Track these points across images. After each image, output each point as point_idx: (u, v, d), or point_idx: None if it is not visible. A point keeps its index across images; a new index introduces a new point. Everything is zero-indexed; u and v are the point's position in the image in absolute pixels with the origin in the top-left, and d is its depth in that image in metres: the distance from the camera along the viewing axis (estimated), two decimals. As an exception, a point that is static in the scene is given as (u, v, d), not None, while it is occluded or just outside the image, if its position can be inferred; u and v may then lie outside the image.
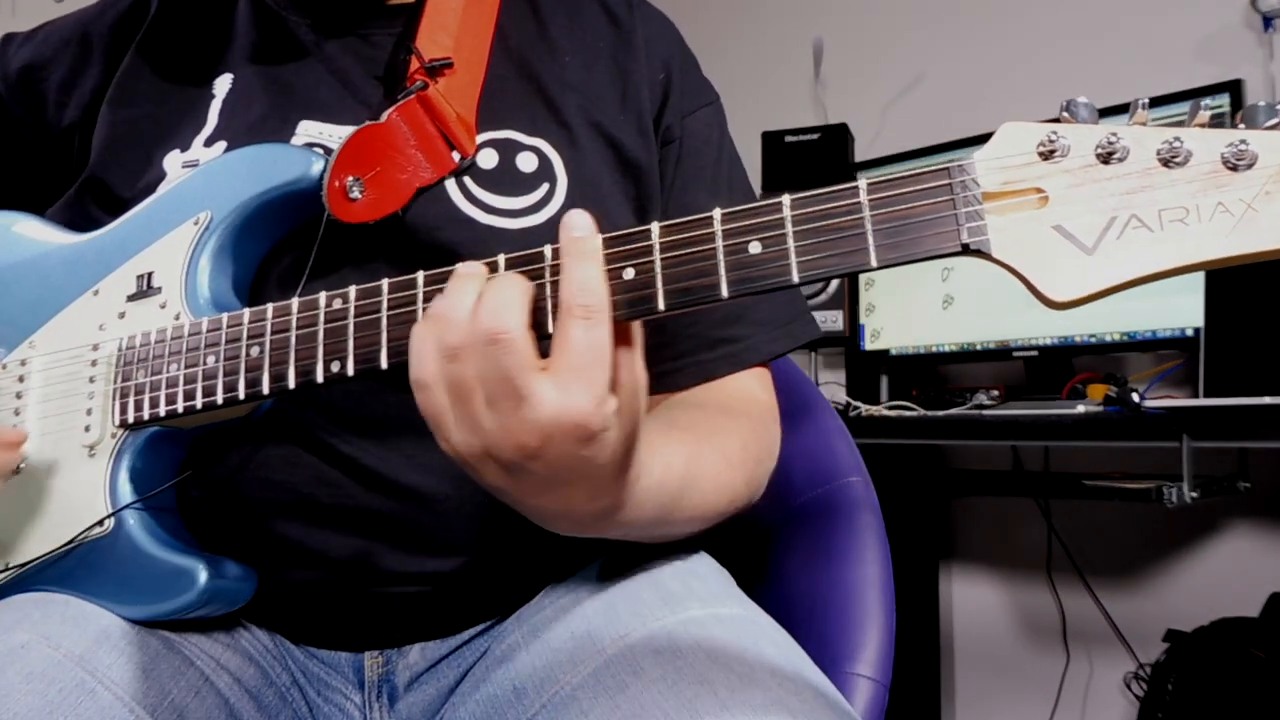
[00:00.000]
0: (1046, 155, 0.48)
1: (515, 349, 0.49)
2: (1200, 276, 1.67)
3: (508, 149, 0.74)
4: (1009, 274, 0.48)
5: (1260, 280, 1.63)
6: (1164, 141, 0.46)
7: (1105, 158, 0.47)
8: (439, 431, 0.52)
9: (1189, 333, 1.72)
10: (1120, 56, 2.03)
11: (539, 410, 0.48)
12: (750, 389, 0.79)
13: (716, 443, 0.69)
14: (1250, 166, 0.44)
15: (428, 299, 0.57)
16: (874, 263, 0.49)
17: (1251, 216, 0.44)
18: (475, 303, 0.50)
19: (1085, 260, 0.46)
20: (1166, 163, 0.46)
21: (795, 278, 0.50)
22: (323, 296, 0.61)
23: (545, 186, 0.74)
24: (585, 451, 0.50)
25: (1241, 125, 0.46)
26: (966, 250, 0.48)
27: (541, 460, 0.50)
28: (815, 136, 2.20)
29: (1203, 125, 0.46)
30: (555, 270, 0.53)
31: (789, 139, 2.22)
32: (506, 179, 0.73)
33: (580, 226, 0.51)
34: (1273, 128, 0.45)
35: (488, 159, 0.74)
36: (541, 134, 0.76)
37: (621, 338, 0.52)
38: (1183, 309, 1.72)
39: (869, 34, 2.45)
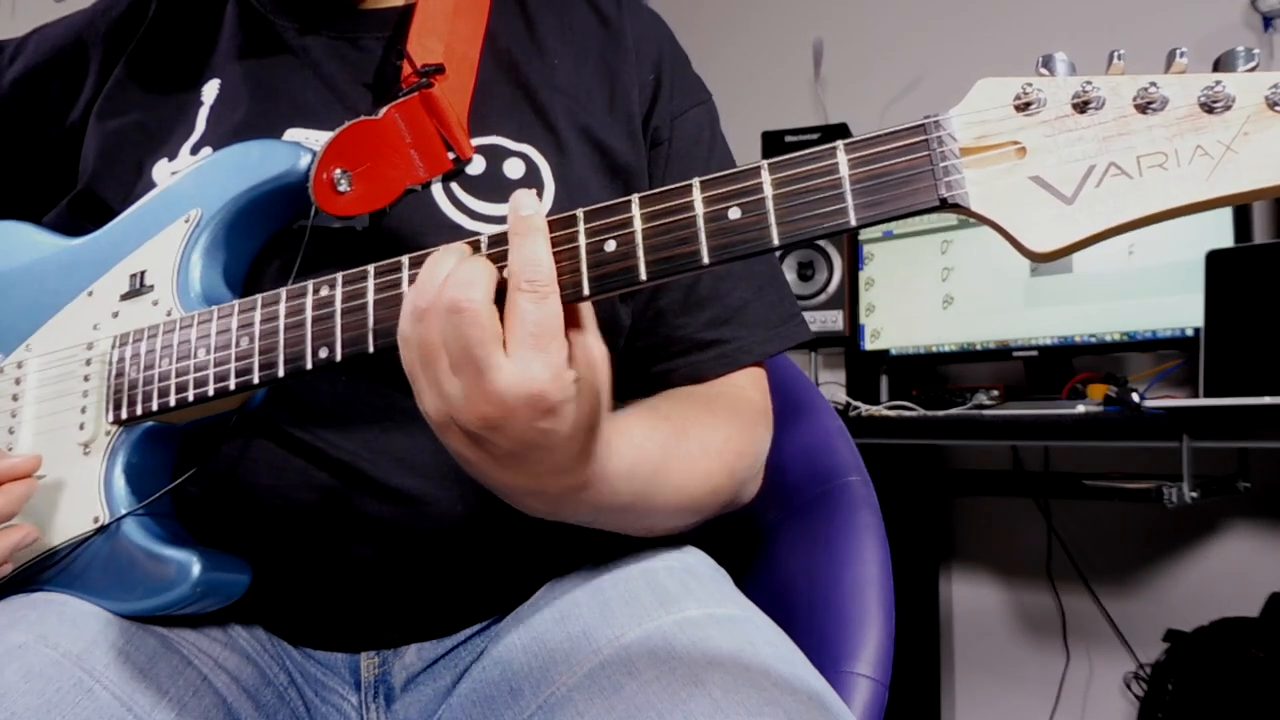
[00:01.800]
0: (1022, 108, 0.47)
1: (478, 320, 0.50)
2: (1200, 277, 1.67)
3: (495, 155, 0.74)
4: (990, 228, 0.48)
5: (1260, 280, 1.63)
6: (1139, 88, 0.45)
7: (1081, 107, 0.46)
8: (414, 389, 0.54)
9: (1189, 333, 1.72)
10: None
11: (497, 382, 0.49)
12: (742, 389, 0.79)
13: (695, 434, 0.69)
14: (1227, 108, 0.44)
15: (412, 281, 0.58)
16: (854, 221, 0.49)
17: (1231, 158, 0.44)
18: (446, 274, 0.52)
19: (1065, 210, 0.46)
20: (1143, 109, 0.45)
21: (775, 240, 0.50)
22: (310, 284, 0.61)
23: (532, 193, 0.73)
24: (545, 424, 0.51)
25: (1220, 71, 0.45)
26: (944, 205, 0.48)
27: (502, 432, 0.51)
28: (815, 137, 2.20)
29: (1180, 72, 0.45)
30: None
31: (789, 139, 2.22)
32: (493, 185, 0.73)
33: (527, 206, 0.53)
34: (1251, 70, 0.44)
35: (475, 165, 0.73)
36: (529, 139, 0.75)
37: (573, 315, 0.53)
38: (1183, 309, 1.72)
39: (869, 34, 2.45)
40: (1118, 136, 0.46)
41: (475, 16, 0.79)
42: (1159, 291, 1.75)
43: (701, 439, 0.69)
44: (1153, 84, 0.45)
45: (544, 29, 0.82)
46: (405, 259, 0.58)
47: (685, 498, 0.67)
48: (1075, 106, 0.46)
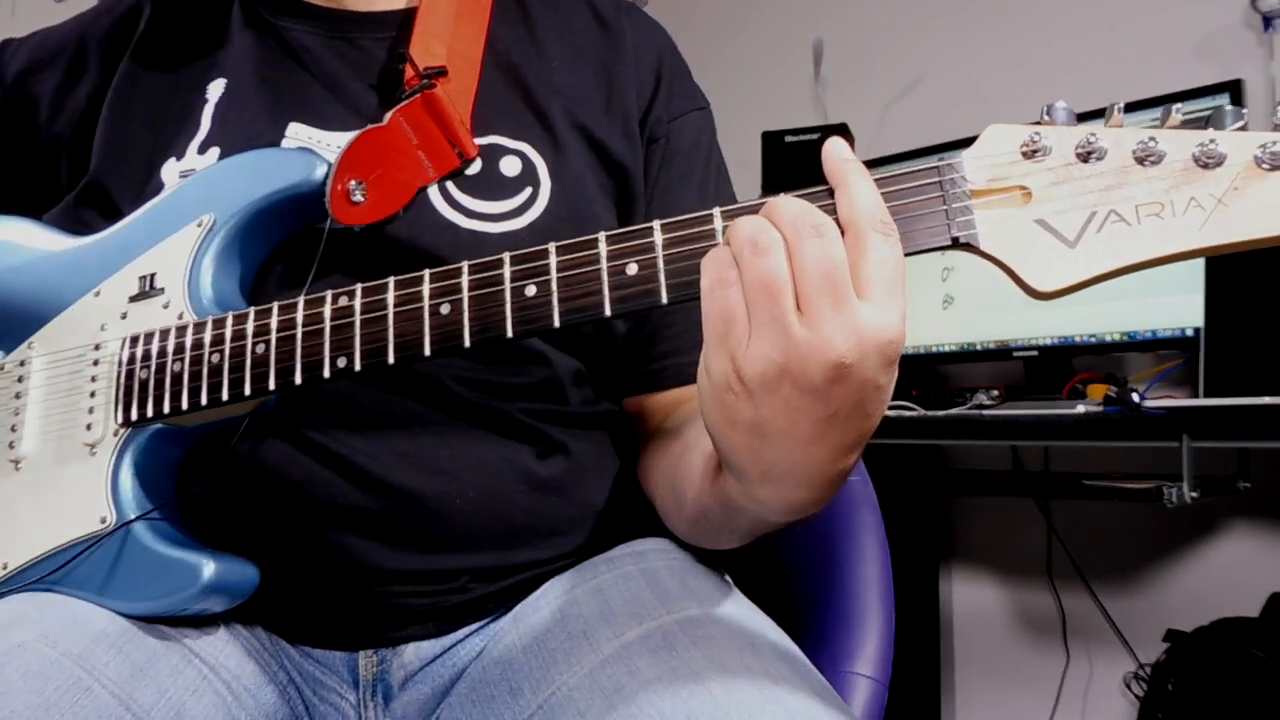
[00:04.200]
0: (1030, 154, 0.50)
1: (840, 241, 0.46)
2: (1200, 277, 1.67)
3: (492, 153, 0.75)
4: (997, 267, 0.51)
5: (1260, 280, 1.63)
6: (1139, 142, 0.49)
7: (1085, 156, 0.50)
8: (726, 343, 0.48)
9: (1189, 333, 1.72)
10: (1120, 56, 2.03)
11: (860, 316, 0.46)
12: None
13: None
14: (1219, 164, 0.47)
15: (434, 296, 0.59)
16: None
17: (1222, 211, 0.47)
18: (777, 212, 0.48)
19: (1068, 252, 0.49)
20: (1142, 161, 0.49)
21: None
22: (329, 293, 0.62)
23: (529, 190, 0.74)
24: (885, 377, 0.48)
25: (1210, 129, 0.49)
26: (956, 244, 0.51)
27: (845, 383, 0.46)
28: (815, 136, 2.20)
29: (1175, 127, 0.49)
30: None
31: (789, 139, 2.21)
32: (490, 183, 0.74)
33: (847, 149, 0.51)
34: (1240, 129, 0.48)
35: (471, 164, 0.74)
36: (526, 138, 0.76)
37: None
38: (1183, 309, 1.72)
39: (869, 34, 2.45)
40: (1118, 186, 0.49)
41: (477, 20, 0.80)
42: (1159, 291, 1.75)
43: None
44: (1152, 139, 0.48)
45: (544, 32, 0.83)
46: (427, 273, 0.59)
47: None
48: (1079, 156, 0.50)
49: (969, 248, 0.51)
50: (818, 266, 0.46)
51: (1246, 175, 0.47)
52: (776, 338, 0.46)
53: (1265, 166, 0.47)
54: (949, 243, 0.51)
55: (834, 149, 0.51)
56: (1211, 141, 0.47)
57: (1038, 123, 0.51)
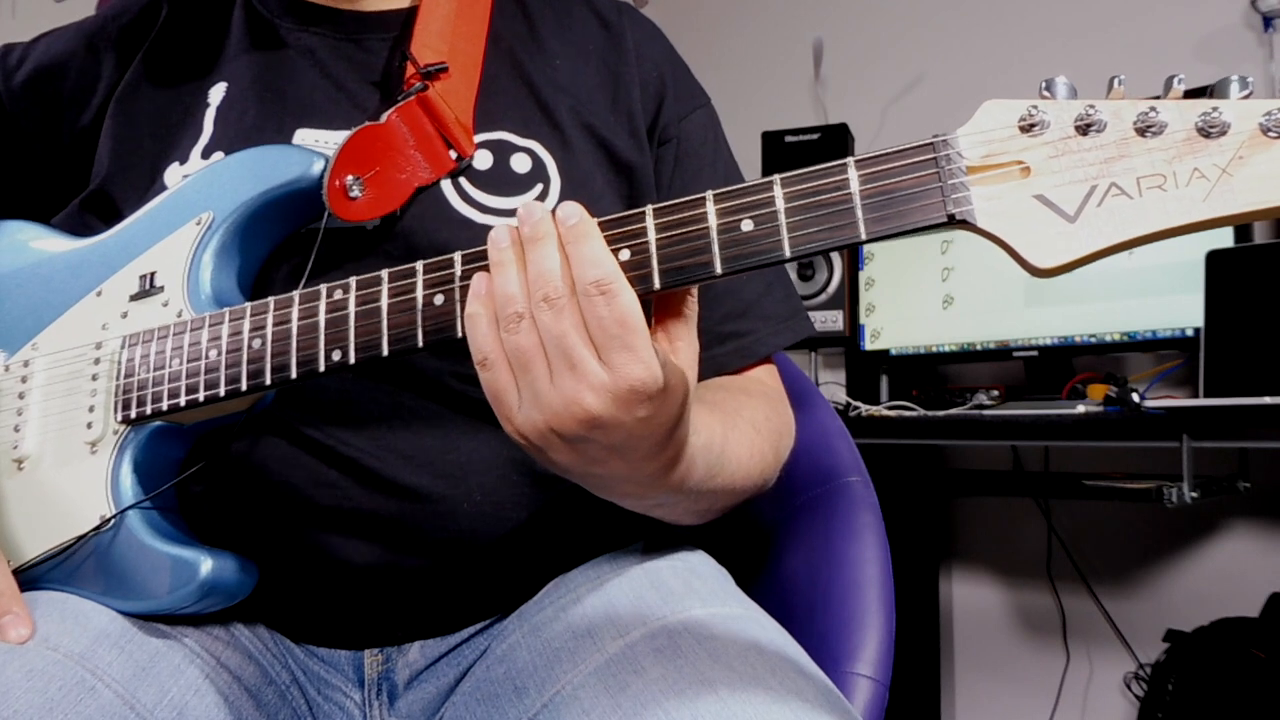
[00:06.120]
0: (1027, 129, 0.49)
1: (567, 309, 0.50)
2: (1200, 277, 1.67)
3: (502, 150, 0.75)
4: (995, 244, 0.49)
5: (1260, 280, 1.63)
6: (1139, 113, 0.47)
7: (1084, 129, 0.48)
8: (502, 412, 0.53)
9: (1189, 333, 1.72)
10: (1120, 56, 2.03)
11: (594, 377, 0.50)
12: (761, 377, 0.80)
13: (745, 414, 0.70)
14: (1223, 133, 0.46)
15: (427, 287, 0.58)
16: (863, 235, 0.50)
17: (1226, 181, 0.45)
18: (528, 273, 0.52)
19: (1068, 228, 0.48)
20: (1142, 132, 0.47)
21: (787, 252, 0.51)
22: (324, 288, 0.62)
23: (539, 187, 0.75)
24: (642, 413, 0.51)
25: (1214, 99, 0.47)
26: (952, 221, 0.49)
27: (605, 429, 0.51)
28: (815, 136, 2.20)
29: (1177, 98, 0.47)
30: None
31: (789, 139, 2.21)
32: (501, 179, 0.74)
33: (573, 215, 0.53)
34: (1245, 98, 0.46)
35: (482, 160, 0.74)
36: (534, 136, 0.76)
37: (667, 301, 0.53)
38: (1183, 309, 1.72)
39: (869, 34, 2.45)
40: (1118, 159, 0.47)
41: (477, 17, 0.81)
42: (1159, 291, 1.75)
43: (750, 419, 0.70)
44: (1152, 109, 0.47)
45: (545, 29, 0.83)
46: (420, 265, 0.59)
47: (743, 474, 0.68)
48: (1078, 129, 0.48)
49: (966, 225, 0.50)
50: (550, 336, 0.51)
51: (1252, 143, 0.45)
52: (535, 402, 0.51)
53: (1272, 134, 0.45)
54: (945, 220, 0.49)
55: (558, 217, 0.53)
56: (1215, 110, 0.46)
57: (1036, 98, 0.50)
